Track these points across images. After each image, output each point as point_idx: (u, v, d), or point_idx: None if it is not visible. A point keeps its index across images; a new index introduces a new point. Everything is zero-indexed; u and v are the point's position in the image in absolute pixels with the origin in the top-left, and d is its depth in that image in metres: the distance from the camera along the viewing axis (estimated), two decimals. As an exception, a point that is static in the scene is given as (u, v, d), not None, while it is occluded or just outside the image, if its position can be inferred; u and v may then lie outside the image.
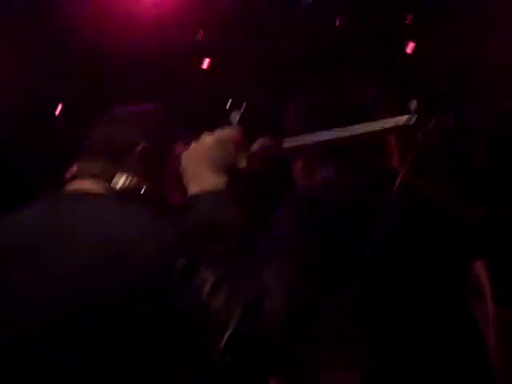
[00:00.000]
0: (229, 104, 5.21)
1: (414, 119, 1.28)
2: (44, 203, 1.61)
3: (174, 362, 1.38)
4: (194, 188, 1.33)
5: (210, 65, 5.18)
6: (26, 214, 1.59)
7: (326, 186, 1.41)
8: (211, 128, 1.43)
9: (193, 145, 1.40)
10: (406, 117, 1.29)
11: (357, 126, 1.34)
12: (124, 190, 1.59)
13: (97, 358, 1.33)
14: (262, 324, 1.12)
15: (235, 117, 4.93)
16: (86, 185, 1.62)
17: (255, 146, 1.41)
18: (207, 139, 1.39)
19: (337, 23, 4.92)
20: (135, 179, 1.61)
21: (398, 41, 5.03)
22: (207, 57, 5.15)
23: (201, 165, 1.35)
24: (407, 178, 1.28)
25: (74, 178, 1.65)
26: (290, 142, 1.42)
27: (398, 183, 1.28)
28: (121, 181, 1.61)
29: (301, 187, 1.52)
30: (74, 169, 1.68)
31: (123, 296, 1.36)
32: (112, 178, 1.61)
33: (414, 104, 5.46)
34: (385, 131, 1.33)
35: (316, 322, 1.21)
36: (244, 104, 5.05)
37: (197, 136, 1.42)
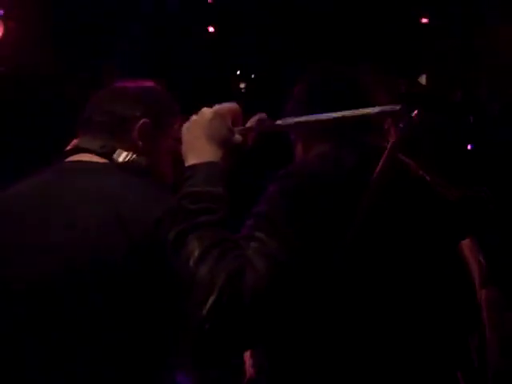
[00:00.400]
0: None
1: (399, 108, 1.31)
2: (45, 173, 1.64)
3: (162, 321, 1.46)
4: (191, 159, 1.36)
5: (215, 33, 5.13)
6: (27, 183, 1.63)
7: (316, 160, 1.43)
8: (211, 103, 1.45)
9: (192, 118, 1.43)
10: (391, 106, 1.34)
11: (347, 111, 1.38)
12: (124, 164, 1.62)
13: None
14: (242, 292, 1.16)
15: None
16: (87, 158, 1.64)
17: (251, 121, 1.44)
18: (206, 113, 1.40)
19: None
20: (135, 156, 1.63)
21: (412, 14, 4.98)
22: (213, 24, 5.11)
23: (199, 137, 1.37)
24: (391, 157, 1.31)
25: (75, 151, 1.67)
26: (285, 121, 1.44)
27: (382, 162, 1.31)
28: (122, 156, 1.63)
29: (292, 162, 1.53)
30: (75, 142, 1.70)
31: (123, 253, 1.43)
32: (112, 154, 1.63)
33: (423, 78, 5.44)
34: (371, 116, 1.38)
35: (297, 292, 1.24)
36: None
37: (196, 110, 1.44)
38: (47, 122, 4.47)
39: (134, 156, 1.63)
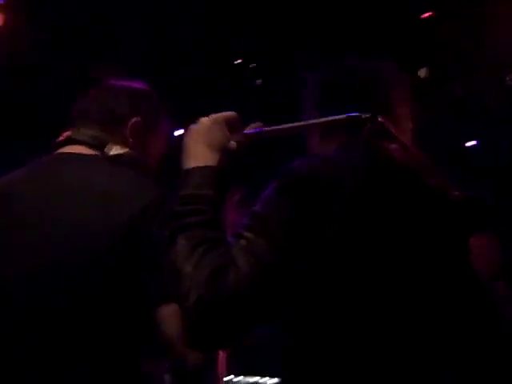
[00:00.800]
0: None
1: (364, 116, 1.43)
2: (35, 163, 1.68)
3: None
4: (188, 164, 1.42)
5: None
6: (17, 173, 1.67)
7: (317, 160, 1.44)
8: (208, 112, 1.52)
9: (191, 126, 1.48)
10: (356, 114, 1.45)
11: (318, 119, 1.51)
12: (114, 157, 1.67)
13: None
14: (223, 288, 1.22)
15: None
16: (79, 150, 1.68)
17: (249, 128, 1.49)
18: (205, 120, 1.47)
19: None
20: (126, 150, 1.69)
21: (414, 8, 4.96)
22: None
23: (198, 143, 1.43)
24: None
25: (67, 142, 1.70)
26: (267, 129, 1.50)
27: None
28: (113, 149, 1.68)
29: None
30: (68, 133, 1.72)
31: (110, 244, 1.49)
32: (104, 147, 1.67)
33: (423, 71, 5.42)
34: (335, 123, 1.48)
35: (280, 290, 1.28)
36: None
37: (196, 119, 1.51)
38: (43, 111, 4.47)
39: (125, 150, 1.68)
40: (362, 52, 1.67)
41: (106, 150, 1.66)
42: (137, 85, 1.83)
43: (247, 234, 1.28)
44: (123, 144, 1.69)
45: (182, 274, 1.25)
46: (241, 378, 3.29)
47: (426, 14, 4.94)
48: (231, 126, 1.46)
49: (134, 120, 1.73)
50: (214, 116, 1.47)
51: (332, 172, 1.36)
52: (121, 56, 4.67)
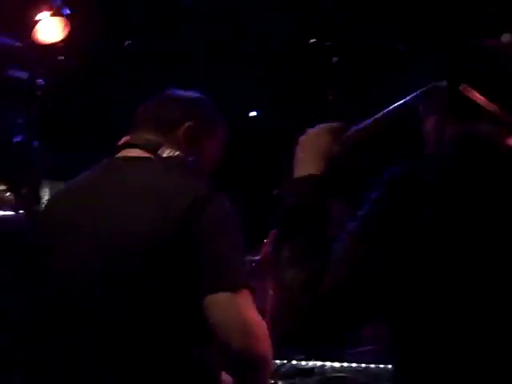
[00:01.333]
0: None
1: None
2: (98, 167, 1.88)
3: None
4: (296, 172, 1.46)
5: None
6: (85, 175, 1.89)
7: (419, 163, 1.39)
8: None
9: (300, 137, 1.52)
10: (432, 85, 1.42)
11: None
12: (168, 159, 1.82)
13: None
14: (318, 292, 1.26)
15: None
16: (135, 153, 1.85)
17: (347, 133, 1.52)
18: (313, 130, 1.52)
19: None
20: (178, 153, 1.84)
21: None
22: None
23: (306, 151, 1.48)
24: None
25: (126, 146, 1.88)
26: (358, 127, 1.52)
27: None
28: (166, 152, 1.83)
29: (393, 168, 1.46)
30: (126, 138, 1.90)
31: (161, 237, 1.64)
32: (158, 149, 1.83)
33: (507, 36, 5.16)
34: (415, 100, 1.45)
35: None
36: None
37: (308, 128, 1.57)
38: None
39: (177, 152, 1.83)
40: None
41: (159, 152, 1.81)
42: (193, 93, 1.99)
43: (346, 241, 1.30)
44: (176, 147, 1.84)
45: (283, 279, 1.31)
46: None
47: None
48: (337, 135, 1.49)
49: (187, 124, 1.88)
50: (320, 126, 1.51)
51: (435, 179, 1.31)
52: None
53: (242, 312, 1.60)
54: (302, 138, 1.50)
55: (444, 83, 1.41)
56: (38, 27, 4.06)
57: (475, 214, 1.28)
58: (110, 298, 1.67)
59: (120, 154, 1.87)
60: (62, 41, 4.13)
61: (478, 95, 1.36)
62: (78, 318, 1.70)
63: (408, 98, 1.45)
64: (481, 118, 1.36)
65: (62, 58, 4.23)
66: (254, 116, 5.89)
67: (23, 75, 4.13)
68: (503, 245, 1.27)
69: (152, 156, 1.82)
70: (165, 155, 1.82)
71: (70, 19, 4.10)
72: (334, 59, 5.28)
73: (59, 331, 1.73)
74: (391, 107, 1.47)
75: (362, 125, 1.49)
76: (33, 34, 4.07)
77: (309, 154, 1.46)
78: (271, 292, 2.10)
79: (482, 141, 1.37)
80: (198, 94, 2.00)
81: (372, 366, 3.63)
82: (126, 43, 4.87)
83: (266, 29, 4.91)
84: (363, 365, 3.64)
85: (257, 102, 5.76)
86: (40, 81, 4.15)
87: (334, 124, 1.51)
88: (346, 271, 1.27)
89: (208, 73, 4.96)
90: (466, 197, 1.29)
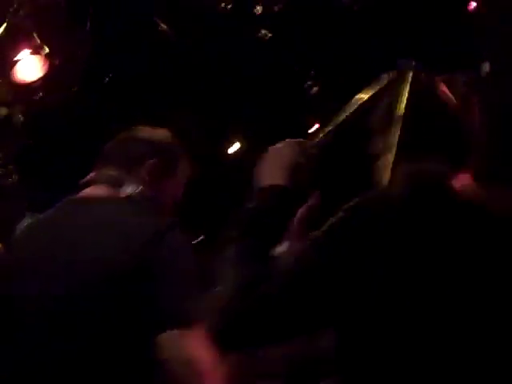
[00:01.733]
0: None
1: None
2: (62, 207, 1.93)
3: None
4: (262, 182, 1.47)
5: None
6: (48, 213, 1.95)
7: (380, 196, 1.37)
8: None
9: (268, 149, 1.55)
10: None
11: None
12: (131, 196, 1.88)
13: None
14: (252, 299, 1.26)
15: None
16: (99, 189, 1.91)
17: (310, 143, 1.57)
18: (279, 144, 1.55)
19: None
20: (141, 188, 1.90)
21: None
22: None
23: (270, 163, 1.50)
24: None
25: (90, 183, 1.93)
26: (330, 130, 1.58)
27: None
28: (129, 188, 1.89)
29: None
30: (92, 175, 1.96)
31: (127, 268, 1.69)
32: (121, 185, 1.89)
33: (486, 66, 5.27)
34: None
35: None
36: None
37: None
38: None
39: (140, 188, 1.89)
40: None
41: (122, 188, 1.87)
42: (159, 131, 2.04)
43: (296, 255, 1.29)
44: (140, 183, 1.89)
45: (223, 279, 1.32)
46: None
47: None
48: (303, 147, 1.53)
49: (150, 162, 1.93)
50: (286, 140, 1.55)
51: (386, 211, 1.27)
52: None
53: (189, 351, 1.64)
54: (266, 153, 1.53)
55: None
56: (17, 66, 4.15)
57: (420, 260, 1.23)
58: (67, 324, 1.71)
59: (84, 191, 1.92)
60: (41, 78, 4.21)
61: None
62: (32, 339, 1.74)
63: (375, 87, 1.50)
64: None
65: (41, 94, 4.30)
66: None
67: (2, 111, 4.21)
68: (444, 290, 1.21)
69: (115, 192, 1.88)
70: (128, 191, 1.88)
71: (49, 57, 4.17)
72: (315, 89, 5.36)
73: (12, 352, 1.77)
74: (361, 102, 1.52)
75: (328, 128, 1.55)
76: (12, 73, 4.16)
77: (272, 166, 1.48)
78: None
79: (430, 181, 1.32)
80: (164, 132, 2.05)
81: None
82: (106, 80, 4.94)
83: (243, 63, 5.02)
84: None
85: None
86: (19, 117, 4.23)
87: (298, 139, 1.55)
88: (281, 282, 1.26)
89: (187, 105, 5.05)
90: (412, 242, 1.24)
